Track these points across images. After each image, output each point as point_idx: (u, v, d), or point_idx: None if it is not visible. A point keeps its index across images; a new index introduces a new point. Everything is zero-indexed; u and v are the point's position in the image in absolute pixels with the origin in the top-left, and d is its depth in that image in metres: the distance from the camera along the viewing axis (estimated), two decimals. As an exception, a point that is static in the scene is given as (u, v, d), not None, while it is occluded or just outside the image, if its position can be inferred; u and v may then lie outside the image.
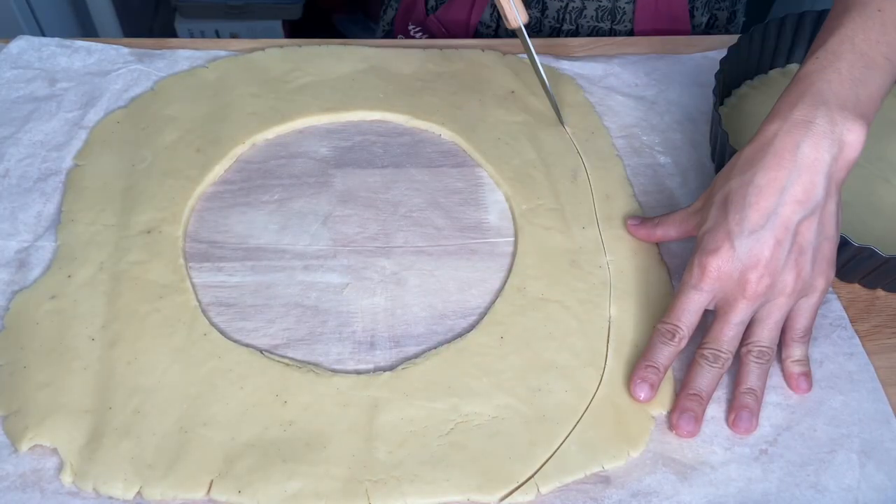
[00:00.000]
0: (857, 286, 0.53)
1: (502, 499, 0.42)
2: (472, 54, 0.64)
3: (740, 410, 0.45)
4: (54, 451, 0.42)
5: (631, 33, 0.74)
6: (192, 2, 1.48)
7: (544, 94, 0.60)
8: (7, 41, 0.63)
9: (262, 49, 0.64)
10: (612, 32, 0.75)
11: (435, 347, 0.48)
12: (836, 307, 0.51)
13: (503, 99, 0.61)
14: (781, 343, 0.47)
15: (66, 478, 0.41)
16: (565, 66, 0.64)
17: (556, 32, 0.75)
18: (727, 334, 0.45)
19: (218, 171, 0.56)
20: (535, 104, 0.61)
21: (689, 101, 0.63)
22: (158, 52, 0.63)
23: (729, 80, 0.60)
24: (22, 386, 0.44)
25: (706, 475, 0.43)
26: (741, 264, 0.43)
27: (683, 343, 0.45)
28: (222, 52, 0.64)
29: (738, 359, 0.46)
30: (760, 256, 0.43)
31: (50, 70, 0.61)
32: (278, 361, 0.46)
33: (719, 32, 0.78)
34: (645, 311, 0.50)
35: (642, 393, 0.45)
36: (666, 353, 0.45)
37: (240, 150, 0.57)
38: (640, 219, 0.53)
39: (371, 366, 0.47)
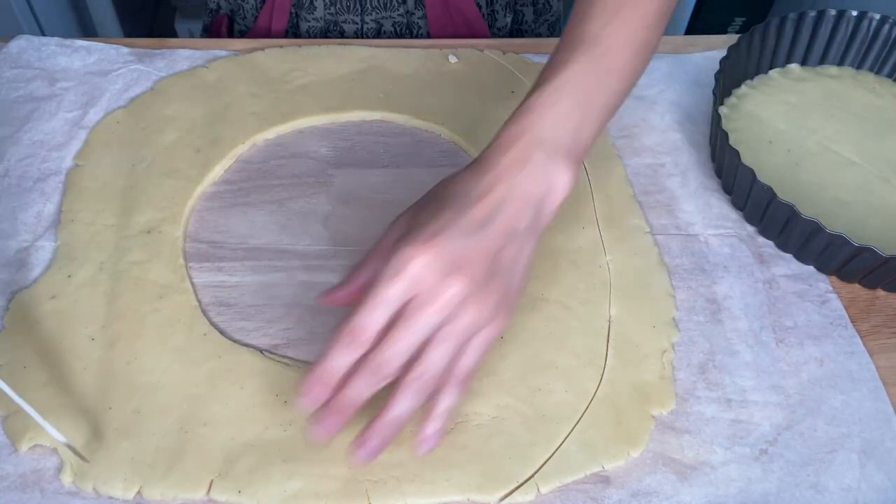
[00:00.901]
0: (857, 286, 0.53)
1: (502, 499, 0.42)
2: (472, 54, 0.65)
3: (366, 439, 0.40)
4: (54, 451, 0.42)
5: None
6: (192, 2, 1.48)
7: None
8: (7, 41, 0.63)
9: (262, 49, 0.64)
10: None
11: (435, 347, 0.48)
12: (836, 306, 0.51)
13: (503, 99, 0.61)
14: (445, 384, 0.41)
15: (66, 478, 0.41)
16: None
17: None
18: (398, 347, 0.39)
19: (218, 171, 0.56)
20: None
21: (689, 101, 0.63)
22: (158, 52, 0.63)
23: (729, 80, 0.60)
24: (22, 386, 0.44)
25: (706, 475, 0.43)
26: (438, 270, 0.39)
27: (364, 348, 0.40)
28: (222, 52, 0.64)
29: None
30: (458, 268, 0.39)
31: (50, 70, 0.61)
32: (278, 361, 0.46)
33: (529, 29, 0.79)
34: (645, 311, 0.50)
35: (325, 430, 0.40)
36: (347, 360, 0.39)
37: (240, 150, 0.57)
38: (331, 293, 0.44)
39: (371, 366, 0.47)
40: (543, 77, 0.45)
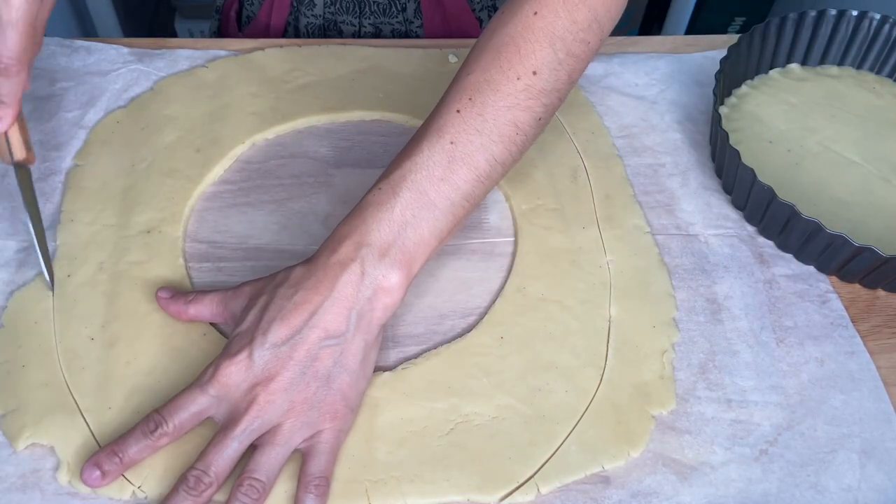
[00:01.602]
0: (857, 286, 0.53)
1: (502, 499, 0.42)
2: (472, 54, 0.64)
3: None
4: (52, 451, 0.42)
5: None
6: (192, 2, 1.48)
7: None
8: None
9: (262, 49, 0.64)
10: None
11: (435, 347, 0.48)
12: (836, 306, 0.51)
13: (503, 99, 0.61)
14: (297, 488, 0.41)
15: (63, 477, 0.41)
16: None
17: None
18: (220, 454, 0.40)
19: (218, 171, 0.56)
20: (535, 104, 0.61)
21: (689, 100, 0.63)
22: (158, 52, 0.63)
23: (729, 80, 0.60)
24: (20, 385, 0.44)
25: (706, 475, 0.43)
26: (254, 377, 0.41)
27: (163, 441, 0.41)
28: (222, 52, 0.64)
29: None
30: (273, 373, 0.40)
31: (49, 69, 0.61)
32: (278, 361, 0.46)
33: None
34: (645, 311, 0.50)
35: (91, 476, 0.40)
36: (141, 445, 0.40)
37: (240, 150, 0.57)
38: (172, 292, 0.47)
39: (371, 366, 0.47)
40: (387, 171, 0.44)
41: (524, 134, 0.44)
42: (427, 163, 0.43)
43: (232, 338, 0.43)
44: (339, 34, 0.75)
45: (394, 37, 0.75)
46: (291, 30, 0.76)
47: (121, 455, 0.40)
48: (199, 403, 0.41)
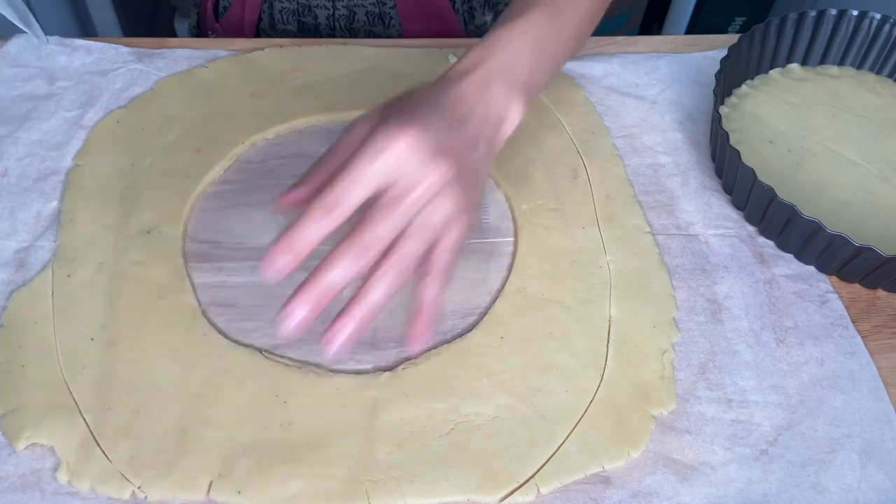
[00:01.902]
0: (857, 286, 0.53)
1: (502, 499, 0.42)
2: (472, 54, 0.64)
3: (342, 324, 0.37)
4: (52, 450, 0.42)
5: (402, 36, 0.76)
6: (191, 1, 1.48)
7: (543, 95, 0.60)
8: (6, 39, 0.63)
9: (262, 49, 0.64)
10: (385, 36, 0.76)
11: (435, 347, 0.48)
12: (837, 306, 0.51)
13: (503, 99, 0.61)
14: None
15: (62, 477, 0.41)
16: (566, 66, 0.64)
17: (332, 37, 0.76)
18: (382, 226, 0.37)
19: (218, 171, 0.56)
20: (535, 104, 0.61)
21: (689, 100, 0.63)
22: (158, 51, 0.63)
23: (729, 80, 0.60)
24: (20, 385, 0.44)
25: (706, 475, 0.43)
26: (427, 152, 0.37)
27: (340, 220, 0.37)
28: (222, 52, 0.64)
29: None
30: (444, 153, 0.38)
31: (49, 69, 0.61)
32: (278, 361, 0.46)
33: None
34: (645, 312, 0.50)
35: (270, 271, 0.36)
36: (319, 233, 0.37)
37: (240, 150, 0.57)
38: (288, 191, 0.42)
39: (371, 366, 0.47)
40: (498, 23, 0.46)
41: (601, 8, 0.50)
42: (538, 17, 0.45)
43: (385, 123, 0.38)
44: (314, 19, 0.74)
45: (368, 20, 0.75)
46: (266, 17, 0.76)
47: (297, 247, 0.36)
48: (369, 177, 0.37)
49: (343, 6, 0.74)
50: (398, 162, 0.37)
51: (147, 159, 0.56)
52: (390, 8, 0.74)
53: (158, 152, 0.56)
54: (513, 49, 0.44)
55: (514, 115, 0.44)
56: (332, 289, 0.36)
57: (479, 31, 0.77)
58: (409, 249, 0.38)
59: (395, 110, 0.40)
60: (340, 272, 0.36)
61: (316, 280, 0.36)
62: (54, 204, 0.53)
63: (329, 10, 0.74)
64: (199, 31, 0.85)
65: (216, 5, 0.80)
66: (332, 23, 0.75)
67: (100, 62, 0.62)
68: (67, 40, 0.64)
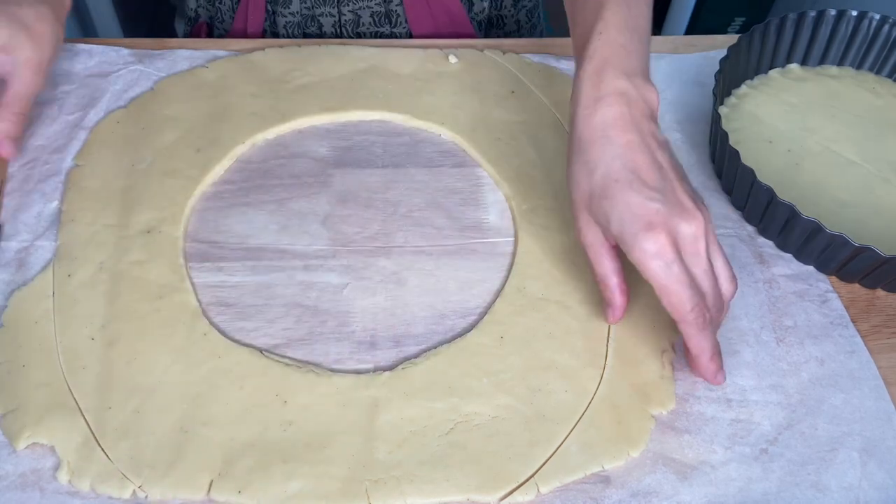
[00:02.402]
0: (857, 286, 0.53)
1: (502, 499, 0.42)
2: (471, 54, 0.64)
3: (718, 364, 0.45)
4: (52, 450, 0.42)
5: (410, 35, 0.75)
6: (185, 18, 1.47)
7: (543, 95, 0.60)
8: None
9: (262, 49, 0.64)
10: (392, 36, 0.75)
11: (435, 347, 0.48)
12: (836, 306, 0.51)
13: (503, 99, 0.61)
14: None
15: (63, 476, 0.41)
16: (565, 66, 0.64)
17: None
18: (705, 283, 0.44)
19: (218, 171, 0.56)
20: (535, 104, 0.61)
21: (689, 100, 0.63)
22: (158, 52, 0.63)
23: (729, 80, 0.60)
24: (20, 384, 0.44)
25: (706, 475, 0.43)
26: (668, 210, 0.43)
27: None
28: (222, 52, 0.64)
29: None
30: (676, 205, 0.43)
31: (51, 73, 0.61)
32: (278, 361, 0.46)
33: (508, 14, 0.79)
34: (645, 312, 0.50)
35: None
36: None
37: (240, 150, 0.57)
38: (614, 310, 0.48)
39: (371, 366, 0.47)
40: (593, 25, 0.48)
41: None
42: (623, 14, 0.48)
43: (620, 219, 0.43)
44: (319, 28, 0.74)
45: (374, 20, 0.75)
46: (269, 33, 0.76)
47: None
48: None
49: (349, 10, 0.73)
50: (669, 240, 0.43)
51: (147, 159, 0.56)
52: (396, 5, 0.74)
53: (158, 152, 0.56)
54: (619, 45, 0.47)
55: (653, 100, 0.46)
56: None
57: (478, 19, 0.77)
58: (706, 289, 0.44)
59: (597, 178, 0.44)
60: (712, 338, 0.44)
61: (715, 348, 0.44)
62: (55, 204, 0.53)
63: (335, 16, 0.74)
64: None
65: (210, 33, 0.80)
66: (337, 29, 0.75)
67: (101, 65, 0.62)
68: (69, 44, 0.64)
